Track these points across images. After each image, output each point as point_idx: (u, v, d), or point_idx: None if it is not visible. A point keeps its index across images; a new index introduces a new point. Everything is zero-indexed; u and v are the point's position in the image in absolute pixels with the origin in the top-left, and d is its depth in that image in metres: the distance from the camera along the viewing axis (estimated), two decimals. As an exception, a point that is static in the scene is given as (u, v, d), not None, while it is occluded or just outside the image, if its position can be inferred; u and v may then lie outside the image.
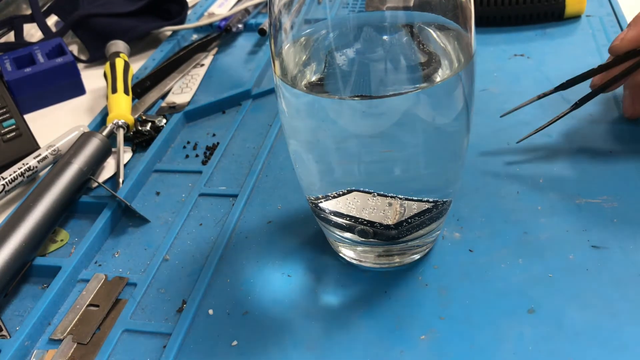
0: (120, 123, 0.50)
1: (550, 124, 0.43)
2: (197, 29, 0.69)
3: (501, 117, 0.45)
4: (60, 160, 0.45)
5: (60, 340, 0.35)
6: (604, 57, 0.54)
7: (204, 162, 0.48)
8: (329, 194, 0.33)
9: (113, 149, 0.49)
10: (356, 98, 0.29)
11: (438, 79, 0.29)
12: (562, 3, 0.59)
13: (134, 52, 0.66)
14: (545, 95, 0.44)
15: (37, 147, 0.51)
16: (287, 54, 0.31)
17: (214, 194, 0.45)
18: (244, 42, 0.66)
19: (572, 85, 0.44)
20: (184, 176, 0.47)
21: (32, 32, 0.74)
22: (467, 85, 0.31)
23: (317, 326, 0.34)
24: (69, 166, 0.44)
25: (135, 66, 0.63)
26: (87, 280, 0.39)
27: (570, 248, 0.36)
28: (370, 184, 0.32)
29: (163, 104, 0.56)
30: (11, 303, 0.38)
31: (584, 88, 0.44)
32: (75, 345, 0.35)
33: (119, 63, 0.57)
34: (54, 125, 0.56)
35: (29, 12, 0.72)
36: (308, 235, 0.39)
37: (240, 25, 0.67)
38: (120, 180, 0.46)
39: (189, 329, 0.34)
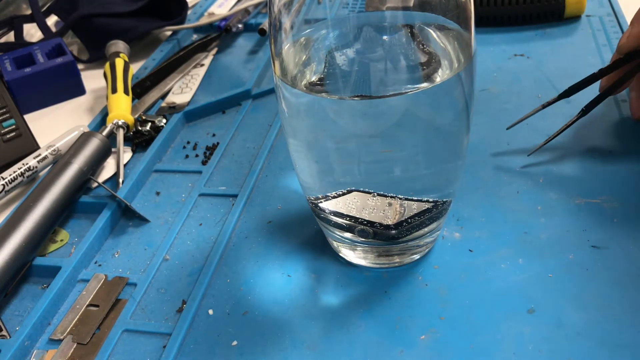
0: (120, 123, 0.50)
1: (559, 133, 0.43)
2: (197, 29, 0.69)
3: (507, 129, 0.45)
4: (60, 160, 0.45)
5: (60, 340, 0.35)
6: (604, 56, 0.54)
7: (204, 162, 0.48)
8: (329, 194, 0.33)
9: (113, 149, 0.49)
10: (356, 98, 0.29)
11: (438, 79, 0.29)
12: (562, 3, 0.59)
13: (134, 52, 0.66)
14: (549, 104, 0.44)
15: (37, 147, 0.51)
16: (287, 54, 0.31)
17: (214, 194, 0.45)
18: (244, 42, 0.66)
19: (576, 92, 0.44)
20: (184, 176, 0.47)
21: (32, 32, 0.74)
22: (467, 85, 0.31)
23: (317, 326, 0.34)
24: (69, 166, 0.44)
25: (135, 66, 0.63)
26: (87, 280, 0.39)
27: (570, 248, 0.36)
28: (370, 184, 0.32)
29: (163, 104, 0.56)
30: (11, 303, 0.38)
31: (588, 93, 0.44)
32: (75, 345, 0.35)
33: (119, 63, 0.57)
34: (54, 125, 0.56)
35: (29, 12, 0.72)
36: (308, 235, 0.39)
37: (240, 25, 0.67)
38: (120, 180, 0.46)
39: (189, 329, 0.35)
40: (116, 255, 0.41)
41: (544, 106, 0.44)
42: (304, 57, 0.32)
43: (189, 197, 0.44)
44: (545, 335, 0.32)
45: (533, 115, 0.44)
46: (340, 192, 0.33)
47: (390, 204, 0.32)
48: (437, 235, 0.37)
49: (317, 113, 0.31)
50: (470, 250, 0.37)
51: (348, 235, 0.35)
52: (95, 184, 0.46)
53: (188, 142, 0.51)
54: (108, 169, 0.48)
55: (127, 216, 0.44)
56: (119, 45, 0.61)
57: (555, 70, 0.53)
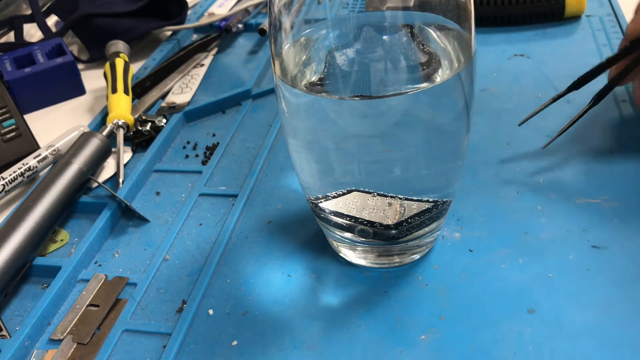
0: (120, 123, 0.50)
1: (571, 125, 0.43)
2: (197, 29, 0.69)
3: (519, 125, 0.44)
4: (60, 160, 0.45)
5: (60, 340, 0.35)
6: (604, 56, 0.54)
7: (204, 162, 0.48)
8: (329, 194, 0.33)
9: (113, 149, 0.49)
10: (356, 98, 0.29)
11: (438, 79, 0.29)
12: (562, 3, 0.59)
13: (134, 52, 0.65)
14: (559, 96, 0.43)
15: (37, 147, 0.51)
16: (287, 54, 0.31)
17: (214, 194, 0.45)
18: (244, 42, 0.66)
19: (584, 84, 0.43)
20: (184, 176, 0.47)
21: (32, 32, 0.74)
22: (467, 85, 0.31)
23: (317, 326, 0.34)
24: (69, 166, 0.44)
25: (135, 66, 0.63)
26: (87, 280, 0.39)
27: (570, 248, 0.36)
28: (370, 184, 0.32)
29: (163, 104, 0.56)
30: (11, 303, 0.38)
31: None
32: (75, 345, 0.35)
33: (119, 63, 0.57)
34: (54, 125, 0.56)
35: (29, 12, 0.72)
36: (308, 235, 0.39)
37: (240, 25, 0.67)
38: (120, 180, 0.46)
39: (189, 329, 0.35)
40: (116, 255, 0.41)
41: (555, 99, 0.44)
42: (304, 57, 0.32)
43: (189, 197, 0.44)
44: (545, 335, 0.32)
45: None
46: (340, 192, 0.33)
47: (390, 204, 0.32)
48: (437, 235, 0.37)
49: (317, 113, 0.31)
50: (470, 250, 0.37)
51: (348, 235, 0.35)
52: (95, 184, 0.46)
53: (188, 142, 0.51)
54: (108, 169, 0.48)
55: (127, 216, 0.44)
56: (119, 45, 0.61)
57: (555, 70, 0.53)
